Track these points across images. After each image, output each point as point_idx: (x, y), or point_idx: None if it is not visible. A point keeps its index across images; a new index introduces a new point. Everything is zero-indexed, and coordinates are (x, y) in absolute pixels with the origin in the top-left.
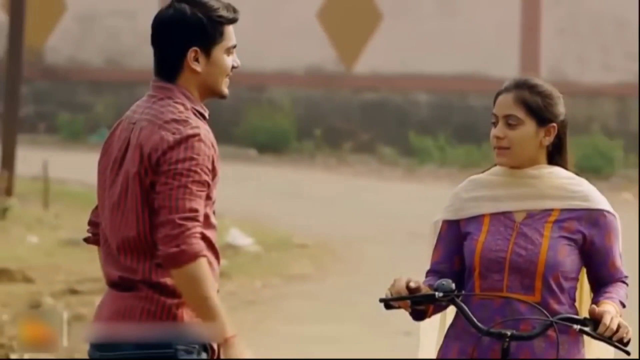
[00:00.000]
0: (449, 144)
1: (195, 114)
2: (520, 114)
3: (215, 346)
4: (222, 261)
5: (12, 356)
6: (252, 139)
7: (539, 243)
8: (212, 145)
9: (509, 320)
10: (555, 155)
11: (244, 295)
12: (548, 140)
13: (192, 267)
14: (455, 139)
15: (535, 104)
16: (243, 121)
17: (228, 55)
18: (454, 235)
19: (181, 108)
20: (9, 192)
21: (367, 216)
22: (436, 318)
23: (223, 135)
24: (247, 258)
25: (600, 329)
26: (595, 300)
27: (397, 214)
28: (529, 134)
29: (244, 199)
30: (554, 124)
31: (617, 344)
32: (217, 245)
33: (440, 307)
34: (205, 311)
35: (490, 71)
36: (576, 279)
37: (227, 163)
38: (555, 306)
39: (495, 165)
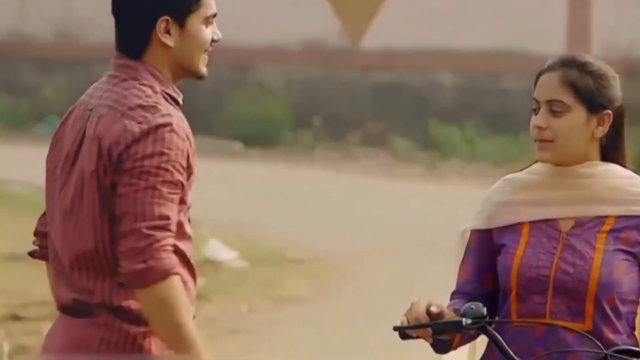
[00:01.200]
0: (479, 135)
1: (166, 99)
2: (567, 98)
3: None
4: (200, 280)
5: None
6: (236, 129)
7: (590, 258)
8: (187, 137)
9: (553, 353)
10: (610, 149)
11: (226, 322)
12: (601, 130)
13: (162, 288)
14: (487, 129)
15: (585, 87)
16: (225, 107)
17: (206, 26)
18: (486, 248)
19: (149, 91)
20: None
21: (378, 224)
22: (463, 350)
23: (201, 125)
24: (230, 276)
25: None
26: None
27: (415, 222)
28: (578, 124)
29: (226, 203)
30: (609, 111)
31: None
32: (192, 261)
33: (468, 337)
34: (179, 341)
35: (529, 46)
36: (636, 302)
37: (206, 159)
38: (610, 335)
39: (536, 161)
